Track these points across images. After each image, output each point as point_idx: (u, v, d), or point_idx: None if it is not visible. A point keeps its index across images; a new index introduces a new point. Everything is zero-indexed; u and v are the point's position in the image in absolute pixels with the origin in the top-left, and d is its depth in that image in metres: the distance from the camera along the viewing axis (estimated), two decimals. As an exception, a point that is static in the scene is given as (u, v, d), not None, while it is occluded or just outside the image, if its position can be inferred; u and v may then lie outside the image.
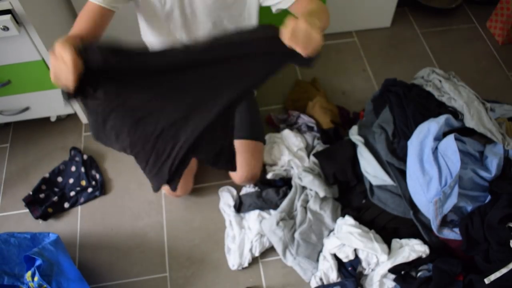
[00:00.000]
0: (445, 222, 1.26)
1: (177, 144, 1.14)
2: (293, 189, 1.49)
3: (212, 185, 1.61)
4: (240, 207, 1.50)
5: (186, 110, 1.11)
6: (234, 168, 1.34)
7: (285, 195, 1.50)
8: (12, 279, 1.23)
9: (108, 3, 1.10)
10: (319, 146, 1.59)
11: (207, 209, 1.56)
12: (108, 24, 1.14)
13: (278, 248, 1.40)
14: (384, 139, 1.40)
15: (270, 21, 1.15)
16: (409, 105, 1.42)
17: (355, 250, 1.32)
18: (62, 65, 0.89)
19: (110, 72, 0.99)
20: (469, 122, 1.32)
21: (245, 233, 1.45)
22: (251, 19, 1.31)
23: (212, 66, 1.04)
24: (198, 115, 1.12)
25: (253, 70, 1.07)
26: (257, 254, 1.43)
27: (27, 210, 1.55)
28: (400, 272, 1.27)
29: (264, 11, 1.33)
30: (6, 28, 1.28)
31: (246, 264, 1.42)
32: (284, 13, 1.20)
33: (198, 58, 1.03)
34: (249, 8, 1.27)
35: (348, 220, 1.37)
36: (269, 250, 1.45)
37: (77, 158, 1.66)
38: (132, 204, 1.58)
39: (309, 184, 1.46)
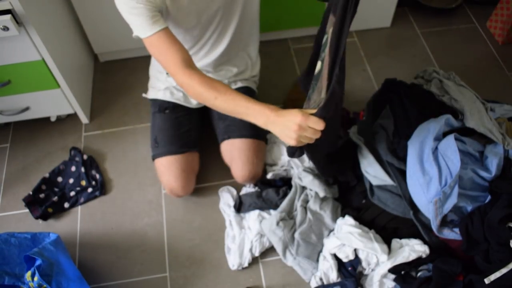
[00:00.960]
0: (445, 222, 1.26)
1: None
2: (293, 189, 1.49)
3: (212, 185, 1.61)
4: (240, 207, 1.50)
5: None
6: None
7: (285, 195, 1.50)
8: (13, 279, 1.23)
9: (164, 23, 1.14)
10: (319, 146, 1.59)
11: (207, 209, 1.56)
12: None
13: (278, 248, 1.40)
14: (384, 139, 1.40)
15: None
16: (409, 105, 1.42)
17: (355, 250, 1.32)
18: (309, 132, 0.98)
19: None
20: (469, 122, 1.32)
21: (245, 233, 1.45)
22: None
23: None
24: None
25: None
26: (257, 254, 1.43)
27: (27, 210, 1.55)
28: (400, 272, 1.27)
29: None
30: (6, 28, 1.28)
31: (246, 264, 1.42)
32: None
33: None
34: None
35: (348, 220, 1.37)
36: (269, 250, 1.45)
37: (77, 158, 1.66)
38: (132, 204, 1.58)
39: (309, 184, 1.46)
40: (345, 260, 1.33)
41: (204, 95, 1.10)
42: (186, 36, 1.32)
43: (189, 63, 1.14)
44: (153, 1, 1.11)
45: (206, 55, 1.42)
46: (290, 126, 0.98)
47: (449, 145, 1.24)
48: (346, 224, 1.36)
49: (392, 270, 1.27)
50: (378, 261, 1.30)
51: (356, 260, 1.32)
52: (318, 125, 0.97)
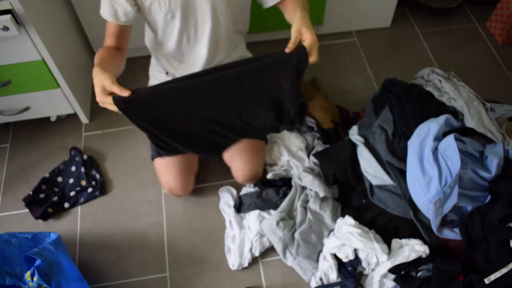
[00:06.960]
0: (445, 222, 1.26)
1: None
2: (293, 189, 1.49)
3: (212, 185, 1.61)
4: (240, 207, 1.50)
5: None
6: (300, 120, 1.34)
7: (285, 195, 1.50)
8: (14, 280, 1.23)
9: (125, 22, 1.20)
10: (319, 146, 1.59)
11: (207, 209, 1.56)
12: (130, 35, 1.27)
13: (278, 248, 1.40)
14: (384, 139, 1.40)
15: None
16: (409, 105, 1.42)
17: (355, 250, 1.32)
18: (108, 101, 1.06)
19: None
20: (469, 122, 1.32)
21: (245, 233, 1.45)
22: (246, 16, 1.34)
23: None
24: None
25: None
26: (257, 254, 1.43)
27: (27, 210, 1.55)
28: (400, 272, 1.27)
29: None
30: (6, 28, 1.29)
31: (246, 264, 1.42)
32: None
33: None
34: (246, 7, 1.30)
35: (348, 220, 1.37)
36: (269, 250, 1.45)
37: (77, 158, 1.66)
38: (132, 204, 1.59)
39: (309, 184, 1.46)
40: (345, 260, 1.33)
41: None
42: (166, 29, 1.28)
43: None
44: None
45: (194, 54, 1.36)
46: (96, 89, 1.05)
47: (449, 145, 1.24)
48: (346, 224, 1.36)
49: (392, 270, 1.27)
50: (378, 261, 1.30)
51: (356, 260, 1.32)
52: (120, 92, 1.04)
